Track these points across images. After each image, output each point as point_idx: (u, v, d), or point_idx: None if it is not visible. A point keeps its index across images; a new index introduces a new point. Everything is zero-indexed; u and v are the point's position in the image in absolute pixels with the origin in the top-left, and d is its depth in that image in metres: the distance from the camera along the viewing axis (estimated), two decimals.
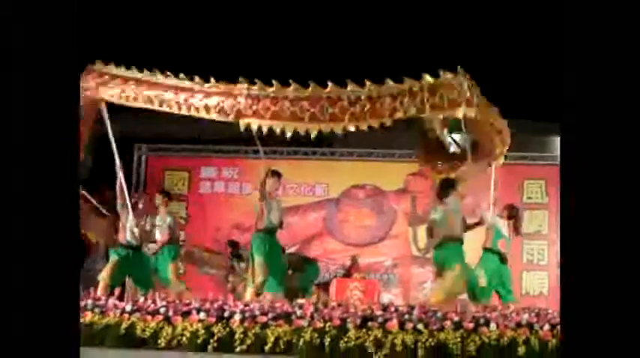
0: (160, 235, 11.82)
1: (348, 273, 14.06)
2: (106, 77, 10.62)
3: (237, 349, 8.12)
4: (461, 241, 10.40)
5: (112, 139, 11.04)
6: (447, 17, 16.21)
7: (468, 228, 10.83)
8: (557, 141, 17.10)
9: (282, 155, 15.68)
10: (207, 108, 9.92)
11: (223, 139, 15.93)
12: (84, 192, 12.57)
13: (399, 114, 9.44)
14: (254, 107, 9.61)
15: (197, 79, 10.04)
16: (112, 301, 8.94)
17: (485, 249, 11.10)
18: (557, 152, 16.78)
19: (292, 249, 13.77)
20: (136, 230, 11.00)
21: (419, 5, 16.02)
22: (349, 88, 9.41)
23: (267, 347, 8.07)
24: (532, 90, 16.00)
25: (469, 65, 10.05)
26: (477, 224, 11.18)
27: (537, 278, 15.76)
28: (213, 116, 9.93)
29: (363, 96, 9.39)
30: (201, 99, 9.97)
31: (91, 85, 10.63)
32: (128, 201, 11.09)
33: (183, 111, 10.20)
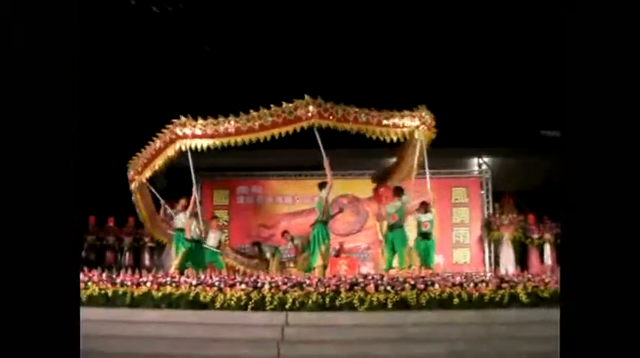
0: (212, 242, 11.91)
1: (337, 254, 14.01)
2: (190, 125, 10.73)
3: (267, 308, 8.14)
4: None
5: (192, 170, 11.06)
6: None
7: None
8: (473, 161, 17.26)
9: (292, 177, 15.87)
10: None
11: (252, 168, 15.99)
12: (166, 206, 12.49)
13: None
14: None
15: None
16: (183, 278, 8.92)
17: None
18: (474, 168, 16.95)
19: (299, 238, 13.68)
20: (198, 230, 11.02)
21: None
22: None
23: (287, 306, 8.11)
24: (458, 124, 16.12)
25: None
26: None
27: (463, 252, 15.79)
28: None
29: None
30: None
31: (176, 132, 10.79)
32: (199, 211, 11.15)
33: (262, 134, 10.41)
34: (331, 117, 10.24)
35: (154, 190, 12.28)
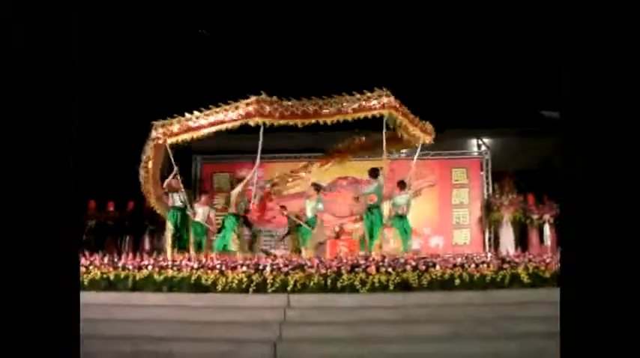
0: (201, 217, 11.76)
1: (337, 236, 14.03)
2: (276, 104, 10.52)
3: (269, 290, 8.16)
4: None
5: (260, 148, 11.01)
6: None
7: None
8: (473, 142, 17.29)
9: (292, 159, 15.76)
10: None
11: (252, 150, 15.92)
12: (178, 174, 11.77)
13: None
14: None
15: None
16: (184, 261, 8.93)
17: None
18: (474, 149, 16.96)
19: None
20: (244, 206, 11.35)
21: None
22: None
23: (289, 288, 8.12)
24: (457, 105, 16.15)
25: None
26: None
27: (462, 233, 15.82)
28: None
29: None
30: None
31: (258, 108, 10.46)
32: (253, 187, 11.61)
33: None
34: (400, 111, 10.61)
35: (171, 156, 11.93)
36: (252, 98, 10.34)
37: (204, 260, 8.99)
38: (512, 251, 11.10)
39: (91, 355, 6.58)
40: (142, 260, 9.08)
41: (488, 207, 15.60)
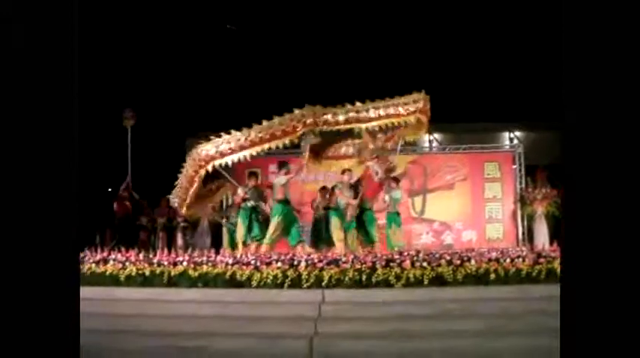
0: None
1: None
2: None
3: (304, 285, 8.18)
4: None
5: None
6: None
7: None
8: (505, 135, 17.16)
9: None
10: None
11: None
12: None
13: None
14: None
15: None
16: (219, 257, 8.96)
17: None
18: (506, 142, 16.82)
19: None
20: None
21: None
22: None
23: (324, 283, 8.13)
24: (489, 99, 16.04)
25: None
26: None
27: (495, 228, 15.68)
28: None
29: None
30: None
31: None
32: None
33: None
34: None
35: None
36: (296, 112, 10.43)
37: (239, 256, 9.00)
38: (546, 245, 10.99)
39: (126, 350, 6.68)
40: (177, 256, 9.14)
41: (521, 201, 15.45)
